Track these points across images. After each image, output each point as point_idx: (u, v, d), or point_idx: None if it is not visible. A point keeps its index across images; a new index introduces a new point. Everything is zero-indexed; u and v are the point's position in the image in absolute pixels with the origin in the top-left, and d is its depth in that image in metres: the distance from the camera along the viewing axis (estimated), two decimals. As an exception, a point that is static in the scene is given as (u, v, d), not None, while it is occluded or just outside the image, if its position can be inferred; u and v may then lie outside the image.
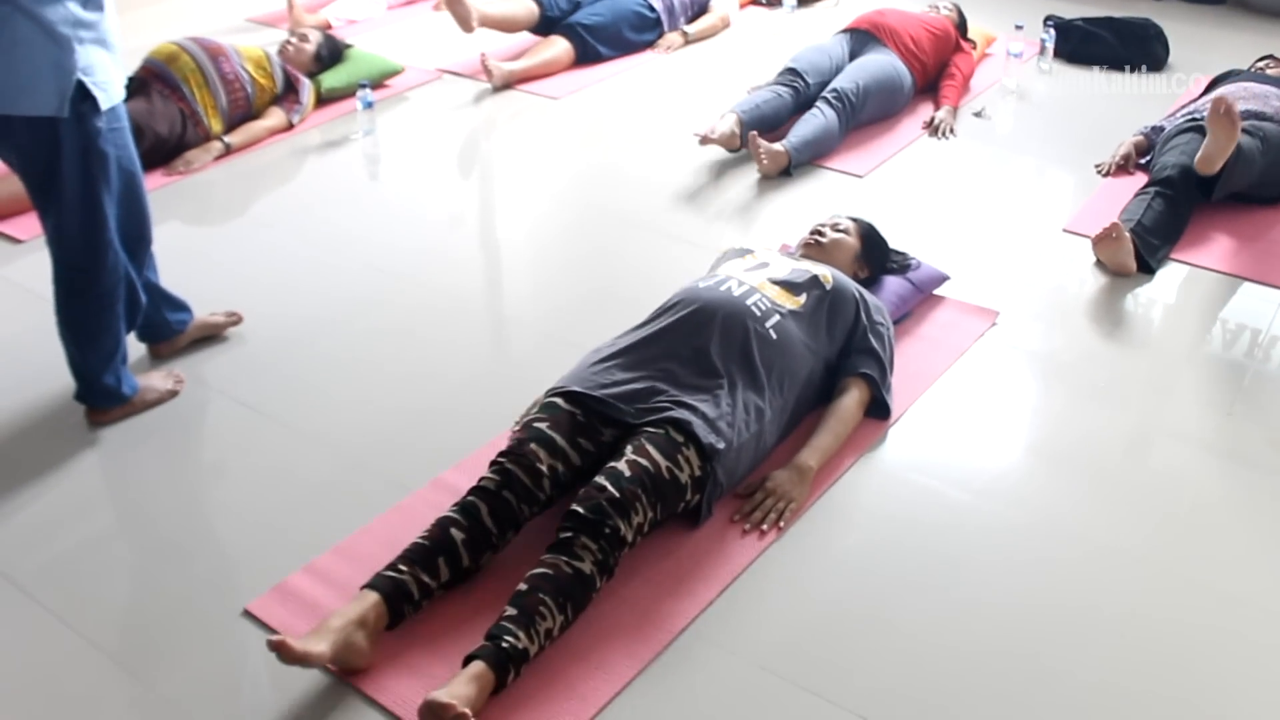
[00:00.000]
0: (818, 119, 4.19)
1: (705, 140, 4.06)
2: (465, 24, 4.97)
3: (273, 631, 2.12)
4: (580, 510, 2.16)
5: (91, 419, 2.80)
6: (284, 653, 1.94)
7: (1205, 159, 3.44)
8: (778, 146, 4.04)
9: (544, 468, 2.29)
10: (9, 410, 2.87)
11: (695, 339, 2.50)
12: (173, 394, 2.90)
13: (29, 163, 2.53)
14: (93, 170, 2.53)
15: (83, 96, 2.44)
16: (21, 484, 2.61)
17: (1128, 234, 3.42)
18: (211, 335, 3.13)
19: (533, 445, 2.32)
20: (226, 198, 3.99)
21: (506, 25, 5.14)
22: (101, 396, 2.78)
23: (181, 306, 3.07)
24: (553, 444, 2.33)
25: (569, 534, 2.15)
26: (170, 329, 3.04)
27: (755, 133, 4.03)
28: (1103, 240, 3.42)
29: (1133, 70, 5.08)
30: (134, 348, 2.98)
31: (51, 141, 2.45)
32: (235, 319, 3.18)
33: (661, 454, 2.28)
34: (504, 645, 1.98)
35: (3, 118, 2.42)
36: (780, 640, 2.18)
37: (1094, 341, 3.18)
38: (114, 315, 2.72)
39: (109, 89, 2.51)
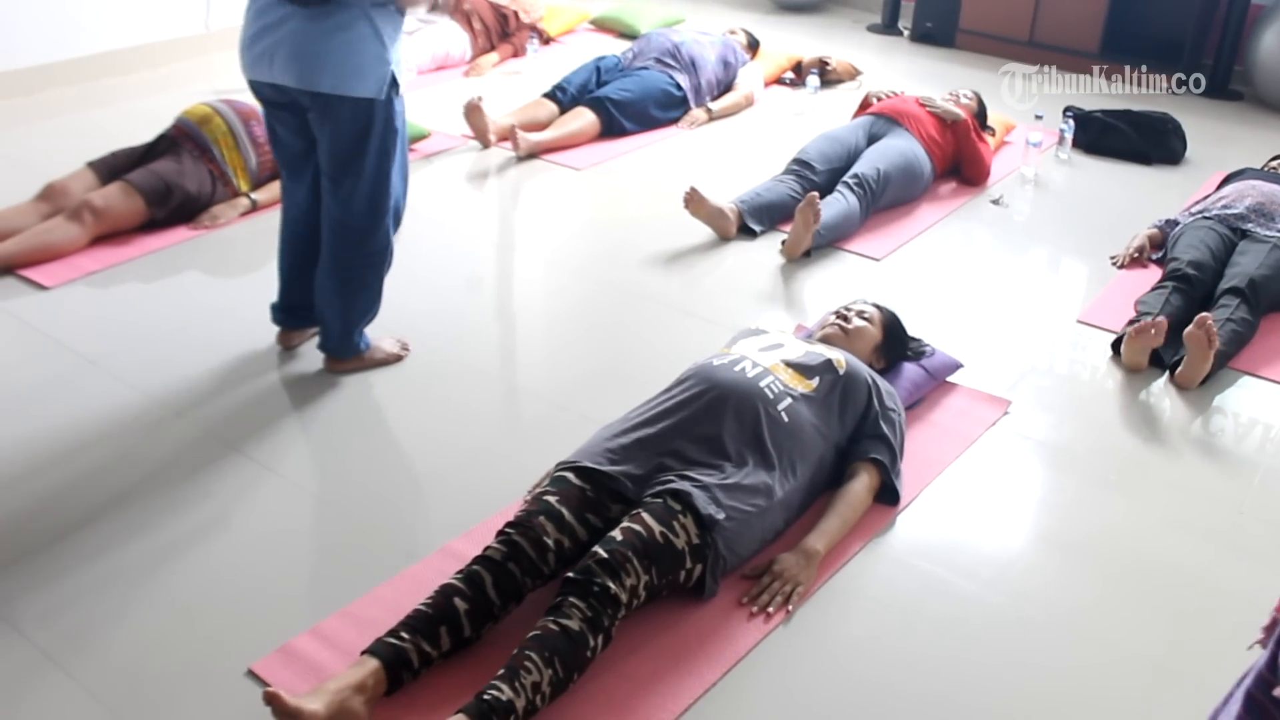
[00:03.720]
0: (840, 203, 4.23)
1: (692, 198, 4.14)
2: (483, 137, 5.05)
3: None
4: (571, 574, 2.19)
5: (330, 367, 3.30)
6: (277, 706, 1.95)
7: (1185, 378, 3.35)
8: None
9: (550, 541, 2.30)
10: (17, 457, 2.89)
11: (708, 423, 2.52)
12: (398, 358, 3.36)
13: (341, 139, 2.96)
14: (389, 145, 3.01)
15: (392, 82, 2.93)
16: (27, 531, 2.63)
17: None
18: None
19: (540, 518, 2.33)
20: (247, 253, 4.04)
21: (570, 141, 5.13)
22: (347, 348, 3.27)
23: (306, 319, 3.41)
24: (560, 518, 2.34)
25: (560, 598, 2.17)
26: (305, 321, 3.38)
27: (815, 195, 4.04)
28: (1142, 336, 3.35)
29: (1150, 163, 5.14)
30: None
31: (368, 119, 2.93)
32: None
33: (656, 520, 2.29)
34: (485, 698, 1.99)
35: (332, 100, 2.89)
36: (782, 725, 2.18)
37: (1105, 434, 3.19)
38: (379, 275, 3.21)
39: (404, 76, 3.02)
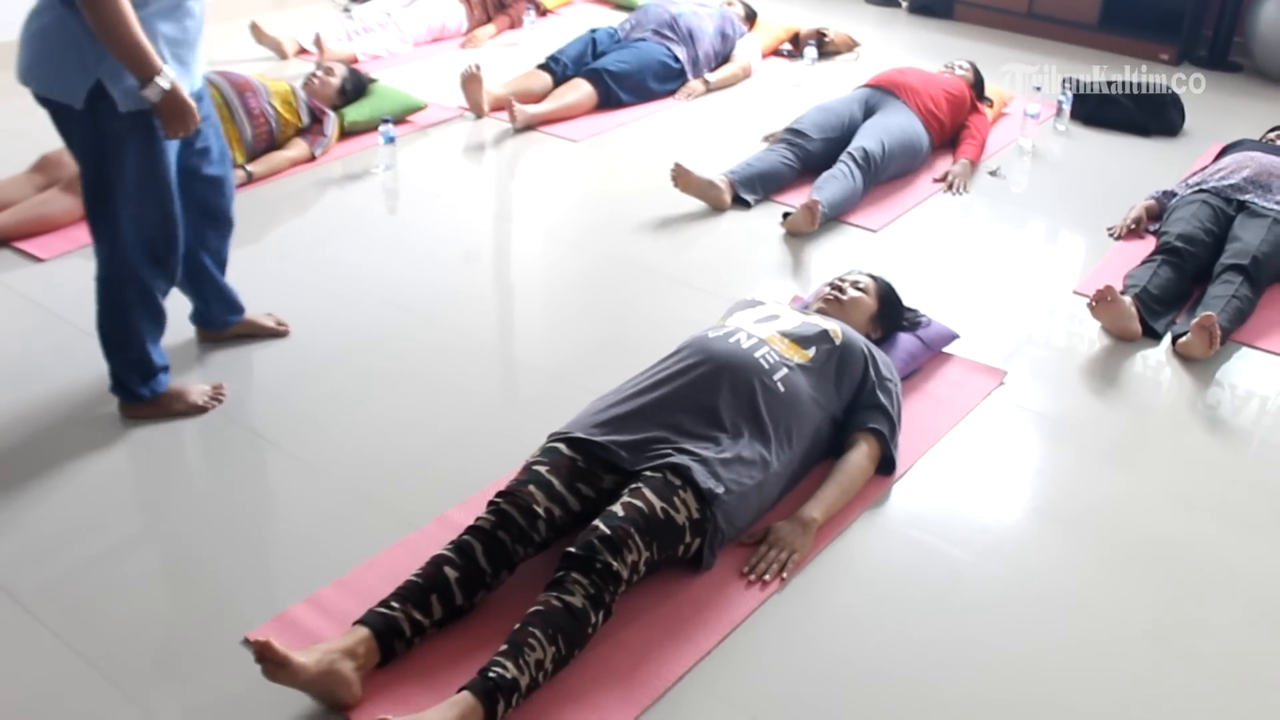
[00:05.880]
0: (845, 180, 4.22)
1: (678, 174, 4.13)
2: (477, 108, 5.03)
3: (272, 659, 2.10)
4: (572, 549, 2.19)
5: (122, 411, 2.94)
6: (267, 654, 1.96)
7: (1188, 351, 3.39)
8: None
9: (540, 510, 2.31)
10: (16, 430, 2.90)
11: (703, 394, 2.52)
12: (202, 410, 2.97)
13: (69, 146, 2.69)
14: (107, 170, 2.64)
15: (101, 96, 2.54)
16: (26, 502, 2.63)
17: (1126, 298, 3.44)
18: (254, 335, 3.31)
19: (530, 487, 2.34)
20: (244, 226, 3.98)
21: (567, 113, 5.11)
22: (127, 394, 2.91)
23: (236, 309, 3.27)
24: (550, 488, 2.35)
25: (561, 572, 2.17)
26: (218, 324, 3.26)
27: (818, 202, 4.03)
28: (1098, 302, 3.43)
29: (1148, 135, 5.12)
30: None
31: (72, 130, 2.62)
32: (283, 331, 3.34)
33: (657, 495, 2.29)
34: (490, 675, 2.00)
35: (48, 103, 2.61)
36: (775, 693, 2.18)
37: (1100, 404, 3.19)
38: (125, 321, 2.83)
39: (134, 95, 2.54)
